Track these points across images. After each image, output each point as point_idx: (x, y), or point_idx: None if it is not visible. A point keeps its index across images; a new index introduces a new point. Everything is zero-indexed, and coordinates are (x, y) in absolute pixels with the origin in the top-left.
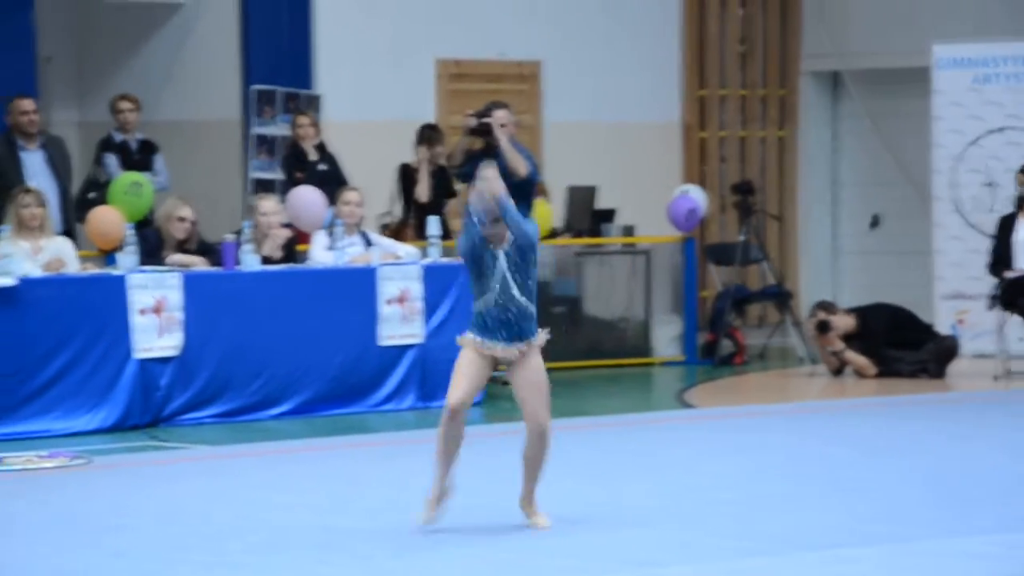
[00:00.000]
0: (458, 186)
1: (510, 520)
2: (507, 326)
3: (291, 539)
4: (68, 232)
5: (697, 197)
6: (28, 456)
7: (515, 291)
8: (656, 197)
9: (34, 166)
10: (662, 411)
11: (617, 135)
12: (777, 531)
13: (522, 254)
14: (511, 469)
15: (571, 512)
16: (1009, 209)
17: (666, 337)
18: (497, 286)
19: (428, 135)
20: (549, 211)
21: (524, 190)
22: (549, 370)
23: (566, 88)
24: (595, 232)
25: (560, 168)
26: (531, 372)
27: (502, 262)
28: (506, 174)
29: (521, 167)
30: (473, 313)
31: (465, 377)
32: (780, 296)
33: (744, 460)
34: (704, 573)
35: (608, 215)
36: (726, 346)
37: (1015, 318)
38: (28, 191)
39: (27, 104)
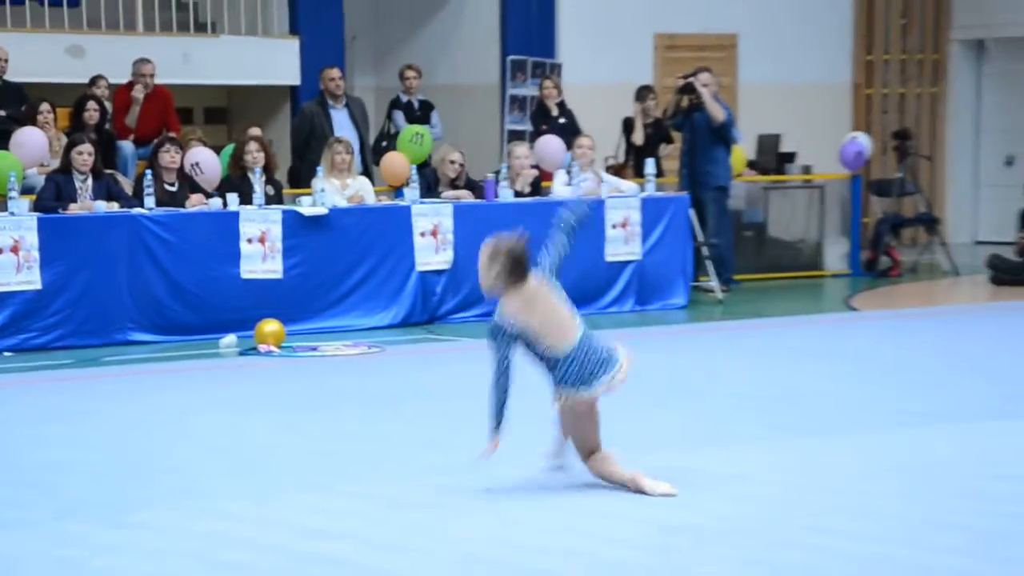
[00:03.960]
0: (673, 134)
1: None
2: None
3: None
4: (367, 173)
5: (863, 142)
6: (337, 345)
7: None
8: (830, 142)
9: (340, 121)
10: (831, 313)
11: (798, 93)
12: (928, 408)
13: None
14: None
15: (762, 392)
16: None
17: (835, 255)
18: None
19: (641, 93)
20: (743, 154)
21: (722, 135)
22: (741, 280)
23: (758, 55)
24: (779, 171)
25: (752, 120)
26: None
27: None
28: (708, 122)
29: (719, 114)
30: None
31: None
32: (930, 221)
33: (901, 352)
34: (862, 443)
35: (790, 157)
36: (884, 262)
37: None
38: (340, 141)
39: (335, 73)
